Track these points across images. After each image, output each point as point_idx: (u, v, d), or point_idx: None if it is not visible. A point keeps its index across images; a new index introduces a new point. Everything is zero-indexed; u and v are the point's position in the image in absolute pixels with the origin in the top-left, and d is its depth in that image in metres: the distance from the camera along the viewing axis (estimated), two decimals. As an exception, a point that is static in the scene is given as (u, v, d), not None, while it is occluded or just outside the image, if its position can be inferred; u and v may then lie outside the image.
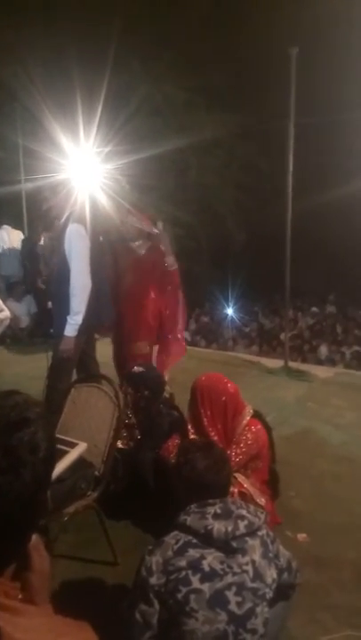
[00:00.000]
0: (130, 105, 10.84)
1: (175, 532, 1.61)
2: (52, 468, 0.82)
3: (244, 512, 1.62)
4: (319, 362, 9.76)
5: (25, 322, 7.82)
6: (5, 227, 8.31)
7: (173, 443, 2.75)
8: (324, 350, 10.76)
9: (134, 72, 11.16)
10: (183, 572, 1.50)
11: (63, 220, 3.43)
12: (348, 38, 11.46)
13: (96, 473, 2.36)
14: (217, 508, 1.62)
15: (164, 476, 2.56)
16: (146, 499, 2.65)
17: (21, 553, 0.83)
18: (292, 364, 6.53)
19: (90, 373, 3.43)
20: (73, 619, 0.84)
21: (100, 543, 2.42)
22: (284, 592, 1.72)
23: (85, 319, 3.33)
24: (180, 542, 1.57)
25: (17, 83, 9.76)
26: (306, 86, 6.46)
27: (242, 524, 1.57)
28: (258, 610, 1.51)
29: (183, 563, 1.52)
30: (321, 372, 6.31)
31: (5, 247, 8.14)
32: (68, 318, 3.29)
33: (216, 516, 1.59)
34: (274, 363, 6.70)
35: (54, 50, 9.97)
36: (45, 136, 8.34)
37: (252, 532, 1.58)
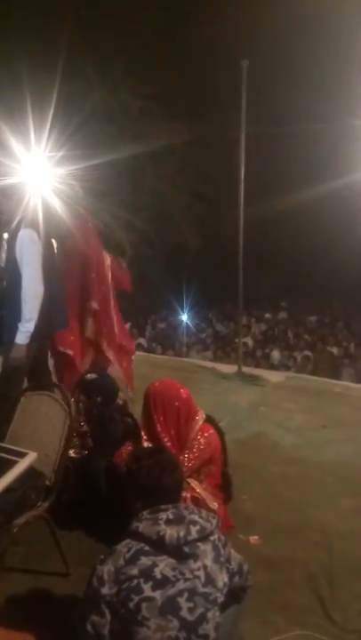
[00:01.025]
0: (83, 110, 10.78)
1: (127, 541, 1.60)
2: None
3: (196, 517, 1.63)
4: (272, 367, 9.97)
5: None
6: None
7: (126, 450, 2.74)
8: (276, 355, 11.00)
9: (88, 78, 11.11)
10: (135, 581, 1.49)
11: (15, 224, 3.35)
12: (298, 52, 11.87)
13: (47, 482, 2.31)
14: (169, 514, 1.62)
15: (116, 483, 2.54)
16: (98, 507, 2.62)
17: None
18: (245, 369, 6.65)
19: (41, 381, 3.36)
20: (19, 631, 0.82)
21: (51, 554, 2.36)
22: (235, 595, 1.74)
23: (37, 326, 3.27)
24: (132, 550, 1.56)
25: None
26: (257, 97, 6.64)
27: (194, 530, 1.58)
28: (209, 615, 1.52)
29: (135, 571, 1.51)
30: (273, 376, 6.45)
31: None
32: (20, 325, 3.21)
33: (168, 522, 1.59)
34: (228, 368, 6.80)
35: (5, 53, 9.77)
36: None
37: (203, 536, 1.59)
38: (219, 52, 10.92)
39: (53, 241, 3.53)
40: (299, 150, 12.66)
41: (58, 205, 3.96)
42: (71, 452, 2.72)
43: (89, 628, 1.49)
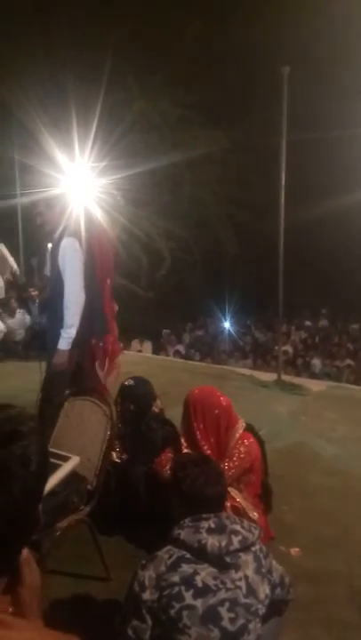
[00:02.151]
0: (125, 121, 10.99)
1: (169, 547, 1.60)
2: (43, 482, 0.82)
3: (238, 527, 1.62)
4: (313, 375, 9.79)
5: (19, 335, 7.82)
6: None
7: (166, 457, 2.75)
8: (317, 364, 10.80)
9: (129, 89, 11.32)
10: (176, 588, 1.49)
11: (58, 234, 3.45)
12: (339, 56, 11.71)
13: (89, 487, 2.35)
14: (211, 523, 1.61)
15: (156, 490, 2.55)
16: (138, 513, 2.64)
17: (12, 567, 0.83)
18: (285, 378, 6.56)
19: (83, 387, 3.42)
20: (63, 633, 0.84)
21: (92, 558, 2.40)
22: (277, 607, 1.71)
23: (79, 332, 3.34)
24: (174, 557, 1.56)
25: (13, 99, 9.87)
26: (297, 103, 6.60)
27: (236, 540, 1.57)
28: (251, 626, 1.51)
29: (176, 578, 1.51)
30: (314, 385, 6.34)
31: None
32: (62, 332, 3.29)
33: (210, 531, 1.59)
34: (267, 376, 6.73)
35: (51, 66, 10.11)
36: (41, 151, 8.43)
37: (245, 547, 1.58)
38: (258, 59, 10.90)
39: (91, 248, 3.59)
40: (340, 155, 12.44)
41: (99, 215, 4.05)
42: (113, 456, 2.75)
43: (130, 632, 1.50)
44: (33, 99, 9.62)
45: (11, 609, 0.80)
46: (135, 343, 11.53)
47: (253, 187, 13.27)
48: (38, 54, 10.01)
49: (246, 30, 11.89)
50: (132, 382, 3.06)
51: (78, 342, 3.39)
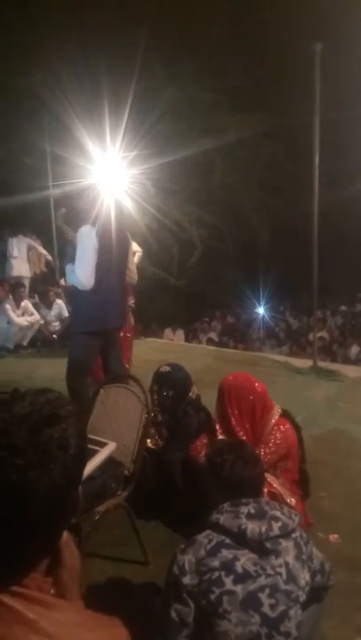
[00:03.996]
0: (155, 109, 10.90)
1: (208, 532, 1.60)
2: (82, 465, 0.83)
3: (278, 513, 1.60)
4: (349, 361, 9.60)
5: (56, 326, 7.96)
6: (20, 236, 8.58)
7: (201, 442, 2.75)
8: (354, 349, 10.57)
9: (158, 76, 11.21)
10: (216, 573, 1.49)
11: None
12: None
13: (126, 472, 2.37)
14: (250, 508, 1.60)
15: (192, 475, 2.56)
16: (175, 498, 2.65)
17: (53, 549, 0.84)
18: (321, 364, 6.46)
19: (116, 374, 3.46)
20: (104, 615, 0.85)
21: (130, 542, 2.43)
22: (317, 594, 1.69)
23: (95, 320, 3.38)
24: (213, 542, 1.56)
25: (45, 90, 9.91)
26: (330, 82, 6.39)
27: (276, 526, 1.55)
28: (291, 612, 1.49)
29: (216, 563, 1.51)
30: (351, 371, 6.21)
31: (14, 253, 8.41)
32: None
33: (250, 516, 1.58)
34: (303, 362, 6.63)
35: (81, 57, 10.09)
36: (73, 142, 8.46)
37: (286, 533, 1.56)
38: (288, 37, 10.58)
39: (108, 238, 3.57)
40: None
41: (127, 205, 4.06)
42: (148, 443, 2.77)
43: (174, 615, 1.51)
44: (65, 89, 9.64)
45: (52, 590, 0.81)
46: (168, 332, 11.57)
47: (286, 170, 12.99)
48: (69, 46, 10.00)
49: (276, 8, 11.56)
50: (168, 368, 3.06)
51: (97, 331, 3.43)
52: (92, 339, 3.46)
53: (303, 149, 6.87)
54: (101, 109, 8.58)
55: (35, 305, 7.88)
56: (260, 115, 11.96)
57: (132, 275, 4.71)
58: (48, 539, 0.81)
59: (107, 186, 4.08)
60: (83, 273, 3.31)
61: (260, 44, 11.83)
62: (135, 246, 5.49)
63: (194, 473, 2.51)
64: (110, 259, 3.43)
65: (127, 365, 4.64)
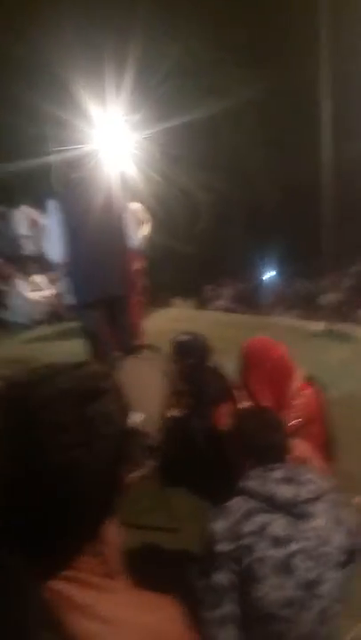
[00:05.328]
0: (159, 68, 10.51)
1: (238, 498, 1.60)
2: (128, 440, 0.79)
3: (308, 476, 1.59)
4: (360, 322, 9.52)
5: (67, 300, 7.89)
6: (23, 208, 8.24)
7: (225, 410, 2.74)
8: (365, 311, 10.50)
9: (161, 31, 10.74)
10: (250, 539, 1.49)
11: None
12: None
13: (150, 442, 2.38)
14: (279, 473, 1.60)
15: (216, 443, 2.56)
16: (200, 466, 2.66)
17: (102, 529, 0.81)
18: (333, 327, 6.41)
19: (128, 345, 3.45)
20: (157, 595, 0.82)
21: (159, 510, 2.45)
22: (350, 556, 1.70)
23: (90, 292, 3.35)
24: (245, 508, 1.55)
25: (46, 49, 9.52)
26: (339, 30, 6.11)
27: (307, 489, 1.55)
28: (326, 576, 1.50)
29: (249, 529, 1.51)
30: (364, 333, 6.17)
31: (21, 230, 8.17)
32: None
33: (279, 481, 1.57)
34: (314, 325, 6.59)
35: (82, 15, 9.67)
36: (74, 105, 8.17)
37: (318, 496, 1.55)
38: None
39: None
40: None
41: (134, 172, 3.98)
42: (173, 412, 2.77)
43: (213, 585, 1.51)
44: (66, 49, 9.27)
45: (101, 570, 0.78)
46: (177, 300, 11.53)
47: (294, 128, 12.58)
48: (69, 3, 9.55)
49: None
50: (186, 337, 3.03)
51: (95, 301, 3.40)
52: (93, 310, 3.43)
53: (312, 105, 6.63)
54: (102, 68, 8.22)
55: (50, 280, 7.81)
56: (267, 70, 11.48)
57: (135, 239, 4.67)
58: (98, 519, 0.77)
59: (110, 151, 3.97)
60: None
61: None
62: (143, 214, 5.39)
63: (219, 440, 2.51)
64: (86, 223, 3.31)
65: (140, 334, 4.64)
